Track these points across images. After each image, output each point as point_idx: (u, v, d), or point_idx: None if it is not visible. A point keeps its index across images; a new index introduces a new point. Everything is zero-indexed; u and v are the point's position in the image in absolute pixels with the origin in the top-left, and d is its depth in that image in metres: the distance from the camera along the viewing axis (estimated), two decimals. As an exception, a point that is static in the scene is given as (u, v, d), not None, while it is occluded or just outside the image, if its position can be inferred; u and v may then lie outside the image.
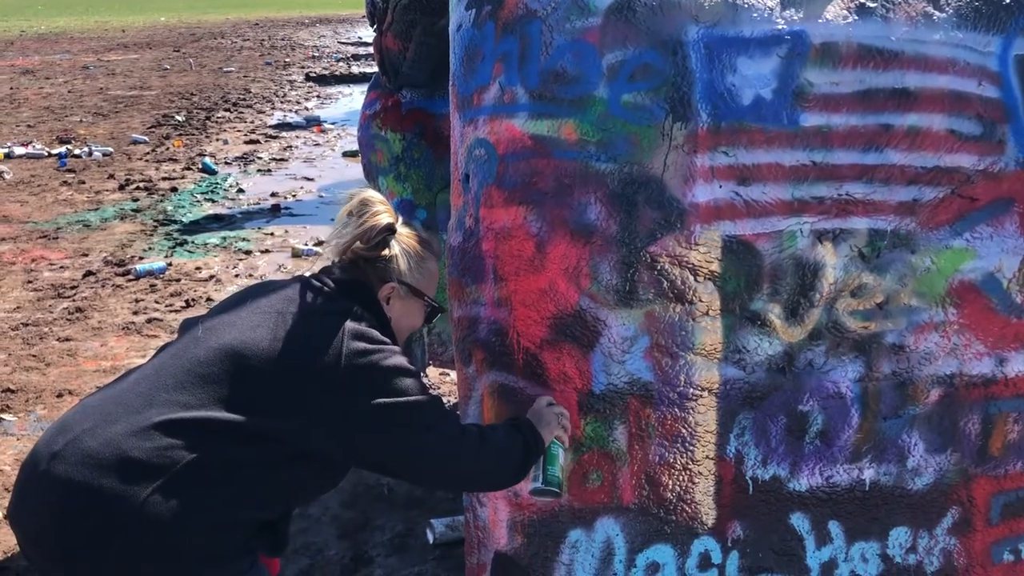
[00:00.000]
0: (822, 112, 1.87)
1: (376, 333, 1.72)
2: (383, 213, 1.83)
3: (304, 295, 1.76)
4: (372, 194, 1.86)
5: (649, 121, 1.86)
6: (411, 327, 1.94)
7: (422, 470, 1.77)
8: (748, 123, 1.85)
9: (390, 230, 1.83)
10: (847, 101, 1.87)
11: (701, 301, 1.89)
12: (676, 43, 1.86)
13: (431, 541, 2.81)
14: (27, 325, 4.81)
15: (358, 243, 1.82)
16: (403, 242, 1.86)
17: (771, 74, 1.86)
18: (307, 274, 1.86)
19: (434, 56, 2.88)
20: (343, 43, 25.71)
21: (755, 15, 1.86)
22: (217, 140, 10.65)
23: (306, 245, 6.23)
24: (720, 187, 1.86)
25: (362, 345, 1.67)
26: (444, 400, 3.43)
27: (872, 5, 1.88)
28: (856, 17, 1.87)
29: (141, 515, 1.51)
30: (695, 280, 1.88)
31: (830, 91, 1.86)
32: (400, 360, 1.71)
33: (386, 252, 1.83)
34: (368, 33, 28.31)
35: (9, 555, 2.82)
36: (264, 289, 1.82)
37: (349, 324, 1.68)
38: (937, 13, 1.89)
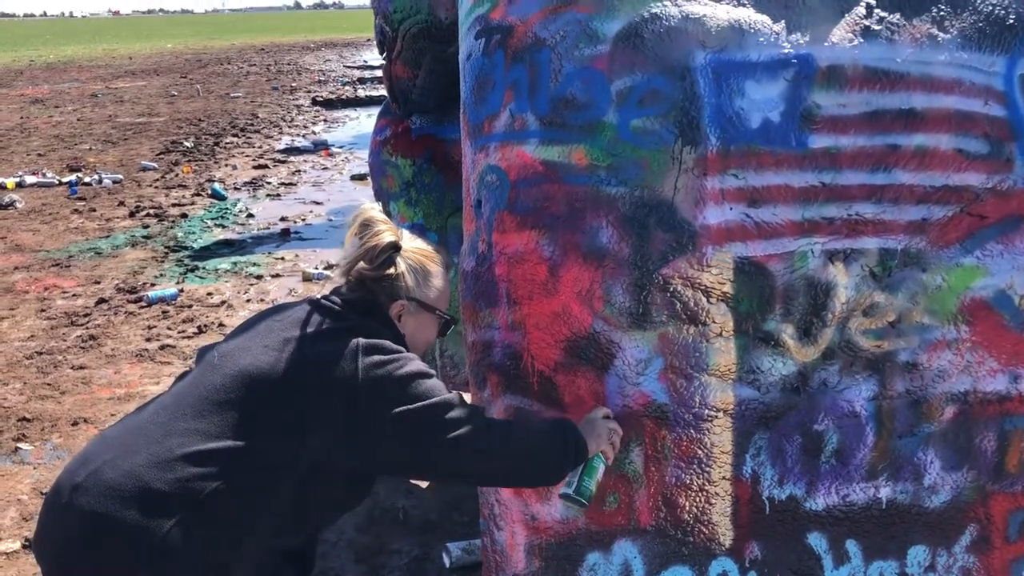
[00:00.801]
0: (830, 134, 1.89)
1: (389, 343, 1.72)
2: (385, 232, 1.83)
3: (315, 316, 1.77)
4: (374, 213, 1.85)
5: (659, 145, 1.88)
6: (427, 342, 1.94)
7: (455, 469, 1.77)
8: (757, 146, 1.87)
9: (394, 248, 1.83)
10: (855, 122, 1.89)
11: (714, 322, 1.90)
12: (684, 68, 1.88)
13: (448, 565, 2.82)
14: (41, 354, 4.85)
15: (363, 263, 1.82)
16: (409, 258, 1.86)
17: (779, 97, 1.88)
18: (318, 296, 1.87)
19: (443, 83, 2.92)
20: (349, 67, 25.94)
21: (761, 39, 1.89)
22: (226, 166, 10.74)
23: (316, 269, 6.27)
24: (731, 209, 1.88)
25: (377, 357, 1.67)
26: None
27: (877, 28, 1.90)
28: (862, 40, 1.89)
29: (164, 547, 1.52)
30: (708, 301, 1.89)
31: (837, 113, 1.88)
32: (416, 366, 1.71)
33: (392, 270, 1.83)
34: (373, 56, 28.60)
35: (28, 585, 2.84)
36: (276, 312, 1.84)
37: (361, 340, 1.69)
38: (942, 35, 1.91)
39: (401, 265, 1.84)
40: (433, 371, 1.75)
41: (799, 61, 1.88)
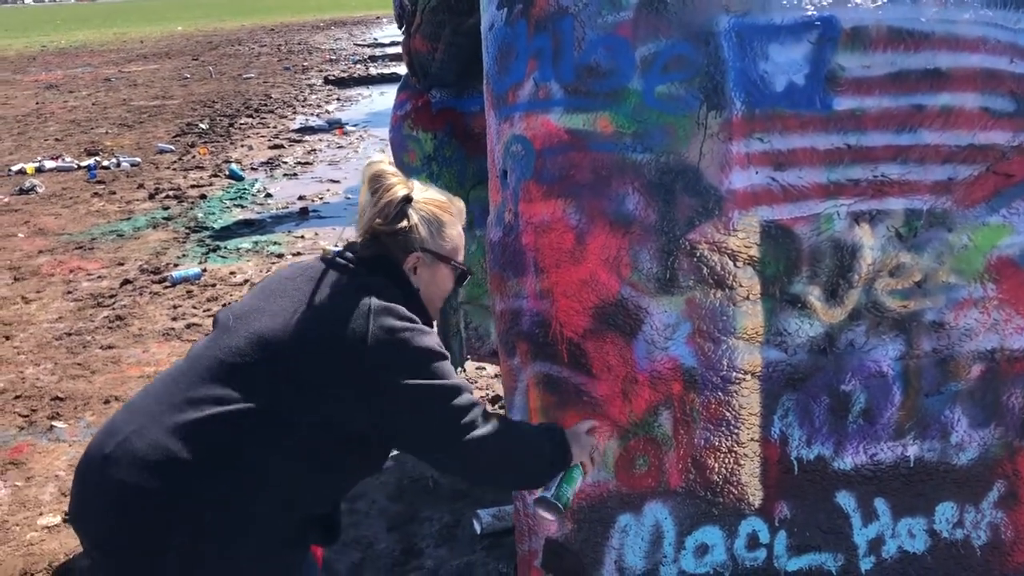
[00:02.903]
0: (855, 95, 1.89)
1: (403, 309, 1.70)
2: (397, 185, 1.80)
3: (328, 274, 1.76)
4: (383, 167, 1.82)
5: (684, 111, 1.90)
6: (443, 293, 1.91)
7: (451, 455, 1.74)
8: (782, 109, 1.88)
9: (407, 200, 1.80)
10: (879, 83, 1.89)
11: (741, 286, 1.92)
12: (708, 33, 1.89)
13: (478, 531, 2.86)
14: (70, 334, 4.92)
15: (378, 220, 1.79)
16: (421, 210, 1.81)
17: (803, 60, 1.88)
18: (331, 252, 1.84)
19: (463, 55, 2.92)
20: (359, 45, 25.83)
21: (785, 2, 1.89)
22: (242, 146, 10.77)
23: (336, 246, 6.28)
24: (756, 173, 1.89)
25: (390, 322, 1.66)
26: (479, 393, 3.45)
27: (901, -13, 1.89)
28: (885, 0, 1.89)
29: (191, 515, 1.55)
30: (735, 265, 1.91)
31: (862, 74, 1.89)
32: (431, 341, 1.70)
33: (405, 223, 1.79)
34: (384, 34, 28.49)
35: (70, 556, 2.91)
36: (289, 271, 1.83)
37: (374, 301, 1.67)
38: (966, -8, 1.91)
39: (414, 217, 1.80)
40: (445, 351, 1.74)
41: (823, 23, 1.88)
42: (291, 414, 1.62)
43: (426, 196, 1.84)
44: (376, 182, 1.81)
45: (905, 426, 2.01)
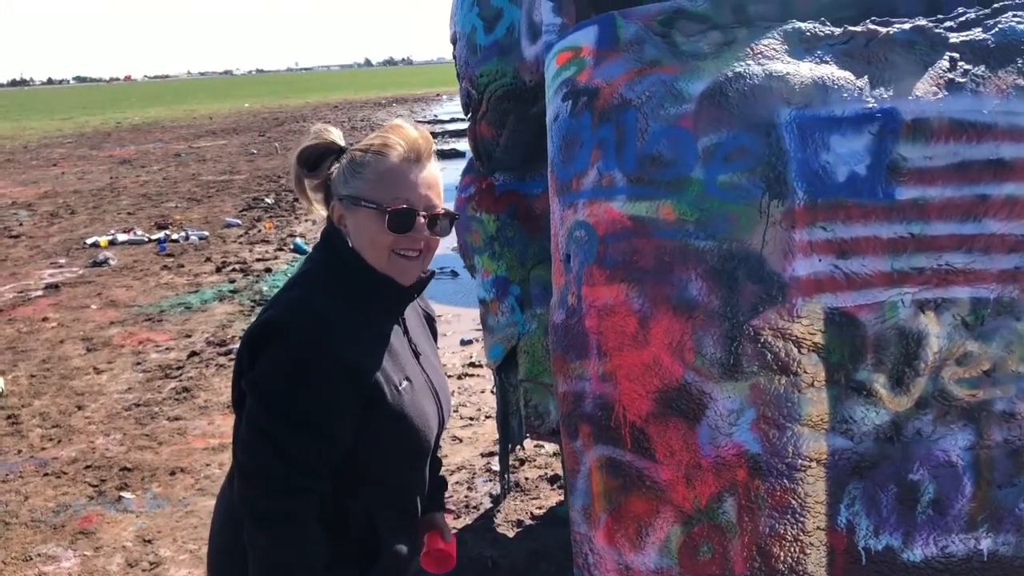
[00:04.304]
0: (917, 185, 1.91)
1: (294, 318, 1.62)
2: (332, 133, 1.76)
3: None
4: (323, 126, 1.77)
5: (746, 199, 1.93)
6: (376, 240, 1.71)
7: (239, 461, 1.71)
8: (844, 198, 1.91)
9: (333, 150, 1.74)
10: (942, 174, 1.91)
11: (806, 372, 1.92)
12: (769, 125, 1.94)
13: (537, 614, 2.84)
14: (139, 405, 5.06)
15: (302, 169, 1.75)
16: (343, 157, 1.73)
17: (864, 151, 1.91)
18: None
19: (526, 141, 3.02)
20: (420, 121, 26.49)
21: (845, 95, 1.93)
22: (306, 221, 11.07)
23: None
24: (819, 261, 1.91)
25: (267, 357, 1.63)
26: (537, 472, 3.42)
27: (962, 80, 1.93)
28: (946, 93, 1.92)
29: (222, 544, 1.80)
30: (799, 352, 1.92)
31: (924, 165, 1.91)
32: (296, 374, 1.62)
33: (324, 172, 1.75)
34: (444, 111, 29.24)
35: None
36: None
37: (272, 313, 1.65)
38: (1028, 85, 1.93)
39: (333, 167, 1.74)
40: (323, 424, 1.66)
41: (883, 115, 1.91)
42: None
43: (360, 143, 1.74)
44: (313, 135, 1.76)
45: (977, 518, 1.97)
